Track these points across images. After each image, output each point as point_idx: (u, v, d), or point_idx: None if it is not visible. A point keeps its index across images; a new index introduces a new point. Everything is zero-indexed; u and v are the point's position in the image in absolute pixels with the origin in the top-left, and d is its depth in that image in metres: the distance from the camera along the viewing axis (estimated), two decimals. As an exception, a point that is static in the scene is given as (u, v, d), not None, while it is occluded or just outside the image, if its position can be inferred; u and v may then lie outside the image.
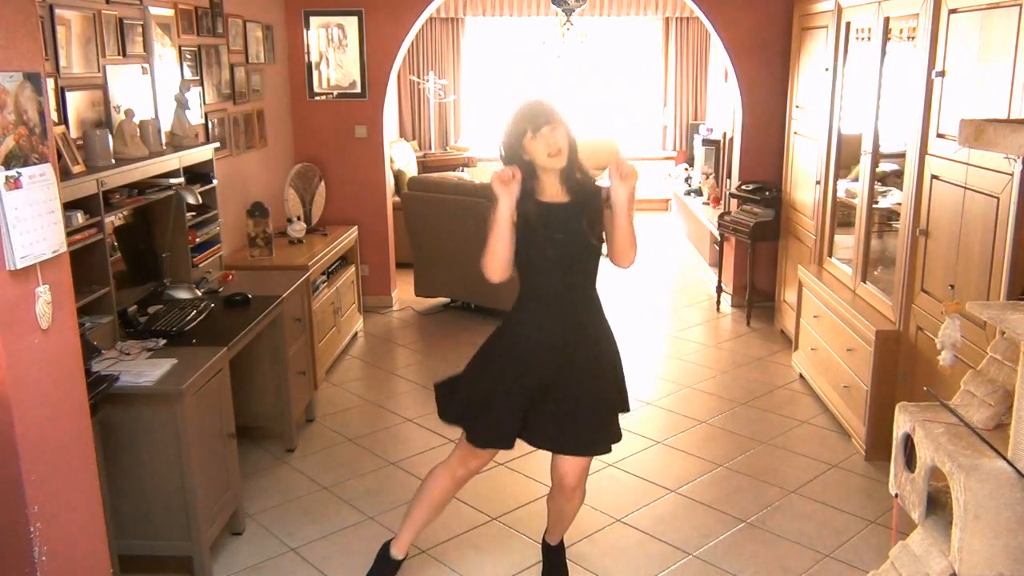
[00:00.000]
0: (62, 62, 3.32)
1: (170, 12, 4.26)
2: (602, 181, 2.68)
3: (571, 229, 2.63)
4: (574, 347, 2.71)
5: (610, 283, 7.22)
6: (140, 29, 3.94)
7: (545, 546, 3.14)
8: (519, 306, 2.77)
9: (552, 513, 3.04)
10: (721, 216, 6.24)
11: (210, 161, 4.17)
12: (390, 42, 6.06)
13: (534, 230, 2.62)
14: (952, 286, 3.30)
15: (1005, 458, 2.03)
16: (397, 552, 3.01)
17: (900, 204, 3.83)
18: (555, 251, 2.64)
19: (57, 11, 3.28)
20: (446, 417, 2.87)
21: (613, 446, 2.83)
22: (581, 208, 2.65)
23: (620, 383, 2.85)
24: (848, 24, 4.57)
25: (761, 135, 5.99)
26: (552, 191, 2.67)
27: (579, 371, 2.72)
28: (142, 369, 2.98)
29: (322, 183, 6.00)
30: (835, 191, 4.72)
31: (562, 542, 3.13)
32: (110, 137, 3.38)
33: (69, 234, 2.68)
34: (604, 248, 2.73)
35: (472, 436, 2.79)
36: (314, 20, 6.03)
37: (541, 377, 2.71)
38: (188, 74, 4.43)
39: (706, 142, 8.14)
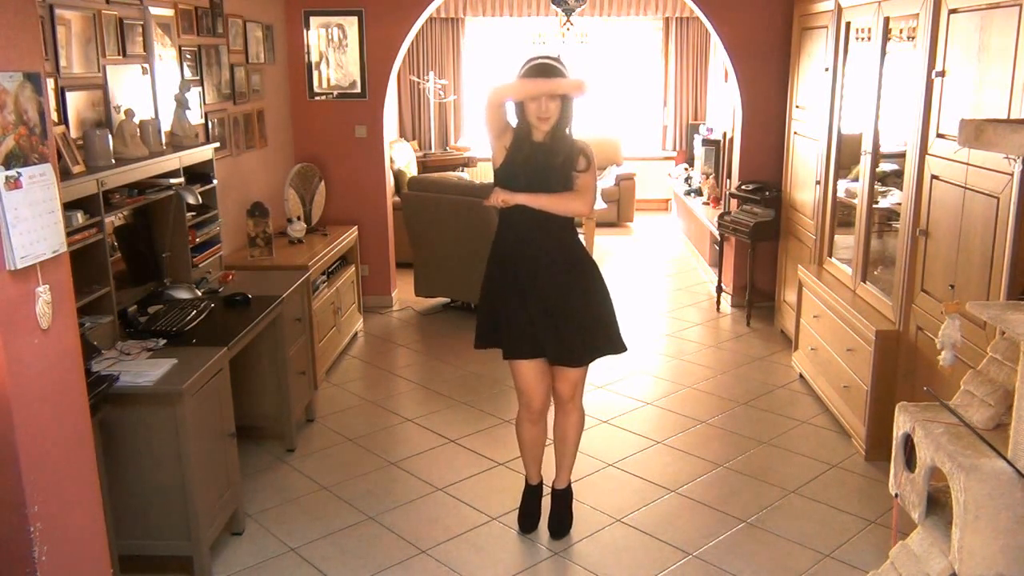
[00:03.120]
0: (62, 62, 3.32)
1: (170, 12, 4.26)
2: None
3: (546, 164, 3.06)
4: (544, 270, 3.10)
5: (610, 283, 7.24)
6: (140, 29, 3.94)
7: (552, 490, 3.44)
8: (498, 232, 3.20)
9: (556, 438, 3.38)
10: (721, 216, 6.24)
11: (210, 161, 4.17)
12: (390, 42, 6.06)
13: (516, 161, 3.09)
14: (952, 286, 3.30)
15: (1005, 458, 2.03)
16: (531, 480, 3.46)
17: (900, 204, 3.83)
18: (527, 179, 3.06)
19: (57, 11, 3.28)
20: (477, 343, 3.30)
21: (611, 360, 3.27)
22: (558, 151, 3.08)
23: (605, 320, 3.22)
24: (848, 24, 4.57)
25: (761, 135, 5.99)
26: (539, 135, 3.13)
27: (551, 293, 3.11)
28: (142, 369, 2.98)
29: (322, 183, 6.01)
30: (835, 191, 4.72)
31: (569, 487, 3.42)
32: (110, 137, 3.38)
33: (69, 234, 2.69)
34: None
35: (500, 347, 3.22)
36: (314, 20, 6.03)
37: (523, 294, 3.11)
38: (188, 74, 4.43)
39: (706, 142, 8.14)
